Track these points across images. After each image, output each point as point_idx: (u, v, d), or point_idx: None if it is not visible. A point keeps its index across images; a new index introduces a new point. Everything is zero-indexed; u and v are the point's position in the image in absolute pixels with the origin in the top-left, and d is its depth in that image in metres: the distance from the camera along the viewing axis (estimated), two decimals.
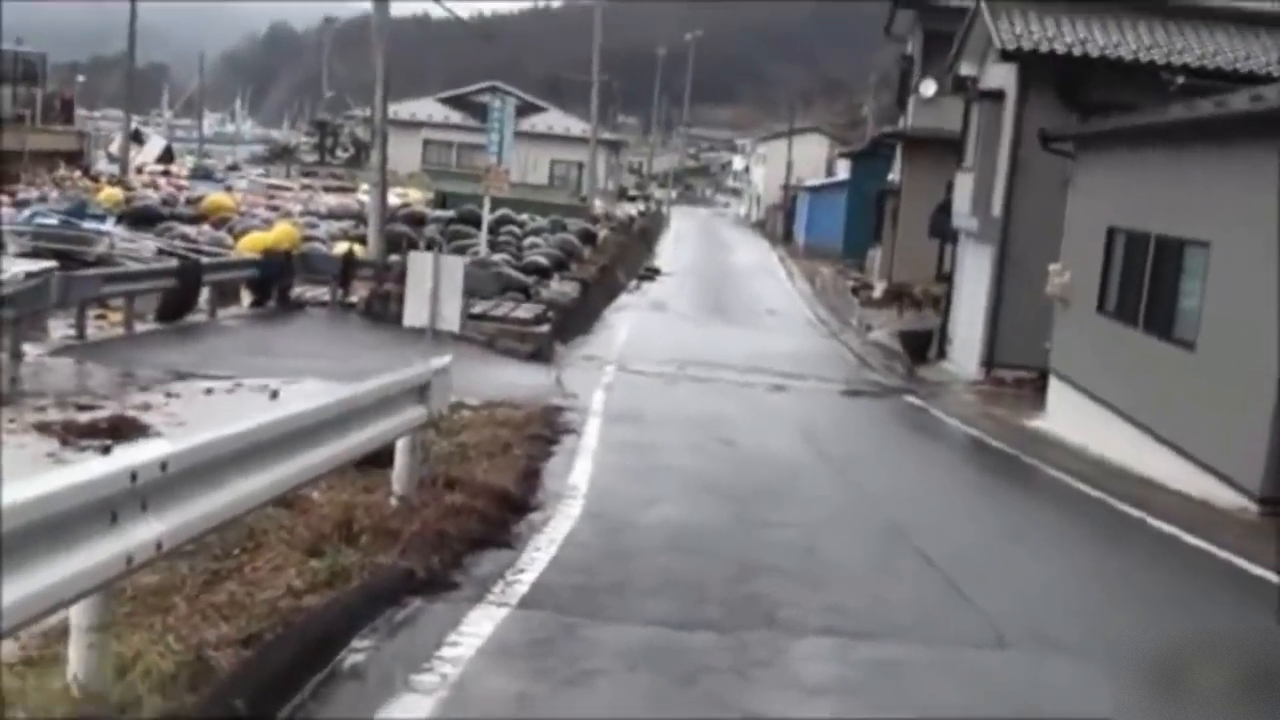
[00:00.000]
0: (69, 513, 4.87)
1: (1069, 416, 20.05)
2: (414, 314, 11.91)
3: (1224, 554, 11.03)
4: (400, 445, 9.69)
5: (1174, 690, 5.94)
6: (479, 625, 6.94)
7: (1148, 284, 17.72)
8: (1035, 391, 22.85)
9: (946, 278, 31.40)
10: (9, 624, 4.59)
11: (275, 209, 42.74)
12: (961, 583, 8.91)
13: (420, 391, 9.71)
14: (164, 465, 5.46)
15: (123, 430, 12.59)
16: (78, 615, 5.35)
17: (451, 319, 11.79)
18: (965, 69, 30.26)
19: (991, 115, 27.16)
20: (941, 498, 13.39)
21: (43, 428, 13.08)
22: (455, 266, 12.09)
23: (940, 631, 7.69)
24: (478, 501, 9.75)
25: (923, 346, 30.44)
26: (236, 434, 6.30)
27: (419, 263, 12.30)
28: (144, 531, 5.38)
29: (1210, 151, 15.98)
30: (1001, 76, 26.87)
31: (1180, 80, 22.09)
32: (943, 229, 31.92)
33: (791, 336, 34.21)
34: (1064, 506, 13.83)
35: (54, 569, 4.81)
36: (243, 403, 14.60)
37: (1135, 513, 13.11)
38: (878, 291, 38.10)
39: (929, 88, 36.97)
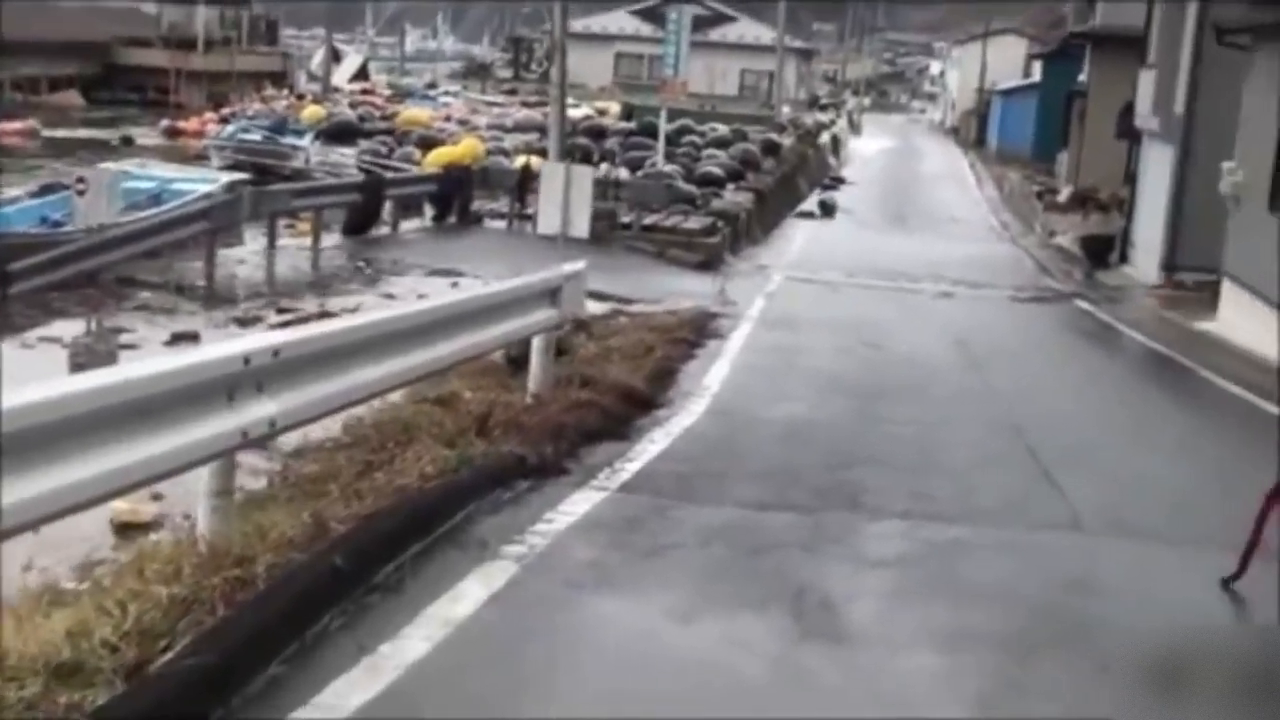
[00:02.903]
0: (190, 389, 5.62)
1: (1240, 319, 19.76)
2: (547, 222, 12.53)
3: None
4: (535, 345, 10.33)
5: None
6: (576, 505, 7.55)
7: None
8: (1215, 295, 22.47)
9: (1132, 180, 30.85)
10: (145, 476, 5.44)
11: (463, 124, 43.86)
12: (1058, 475, 9.20)
13: (551, 295, 10.32)
14: (276, 352, 6.18)
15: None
16: (204, 481, 6.14)
17: (581, 226, 12.35)
18: None
19: (1174, 10, 26.51)
20: (1076, 399, 13.52)
21: (244, 322, 14.36)
22: (584, 176, 12.63)
23: (1017, 517, 8.06)
24: (604, 398, 10.34)
25: (1104, 251, 30.06)
26: (348, 328, 7.01)
27: (551, 173, 12.88)
28: (258, 410, 6.11)
29: None
30: None
31: None
32: (1129, 130, 31.33)
33: (972, 243, 34.02)
34: (1203, 407, 13.84)
35: (180, 436, 5.57)
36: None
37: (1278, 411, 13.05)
38: (1063, 196, 37.43)
39: None
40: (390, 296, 16.76)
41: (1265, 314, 18.32)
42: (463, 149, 32.30)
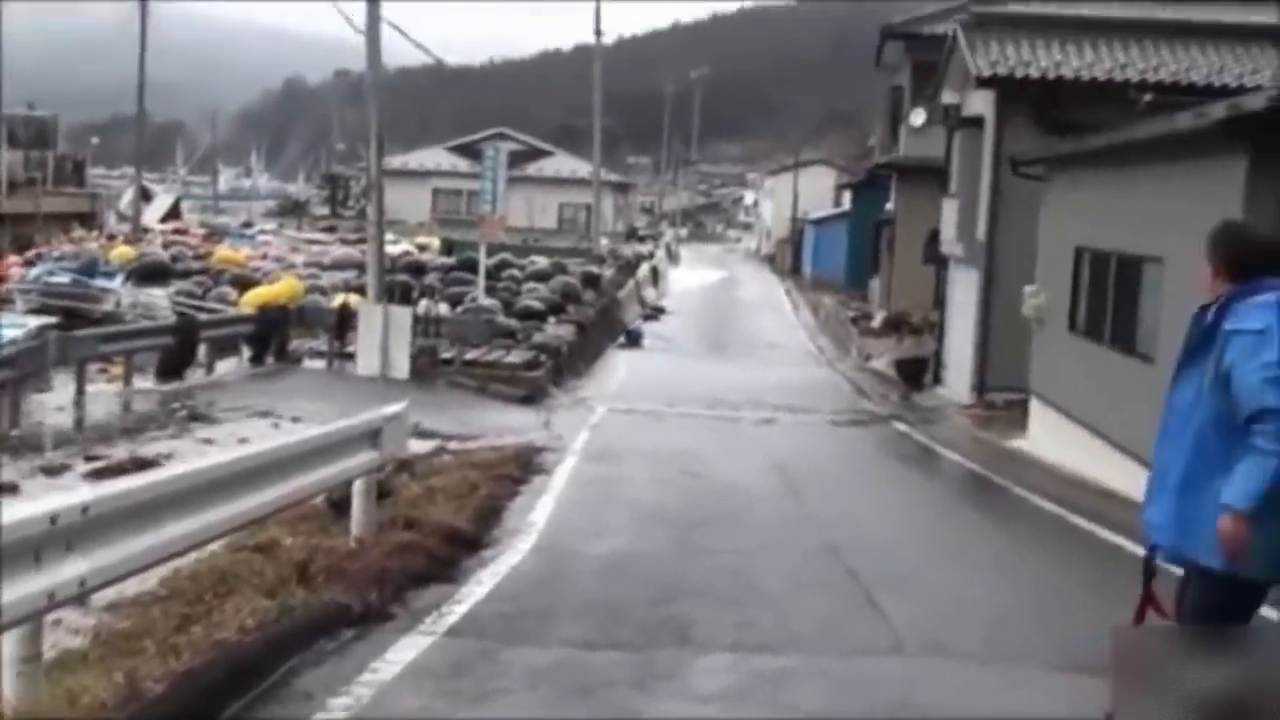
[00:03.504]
0: None
1: (1048, 436, 20.48)
2: (366, 363, 12.49)
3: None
4: (357, 488, 10.21)
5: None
6: (403, 653, 7.43)
7: (1111, 301, 18.18)
8: (1024, 413, 23.25)
9: (941, 304, 31.92)
10: None
11: (280, 262, 43.50)
12: (880, 598, 9.37)
13: (372, 437, 10.24)
14: (85, 509, 6.00)
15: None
16: (9, 646, 5.89)
17: (401, 367, 12.34)
18: (948, 97, 30.80)
19: (972, 142, 27.70)
20: (892, 520, 13.83)
21: (51, 471, 13.90)
22: (403, 316, 12.66)
23: (840, 642, 8.17)
24: (429, 540, 10.23)
25: (918, 373, 30.92)
26: (161, 480, 6.84)
27: (369, 314, 12.87)
28: (68, 570, 5.91)
29: (1160, 168, 16.41)
30: (980, 103, 27.41)
31: (1148, 98, 22.35)
32: (935, 255, 32.47)
33: (790, 368, 34.72)
34: (1017, 523, 14.26)
35: None
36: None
37: (1087, 526, 13.52)
38: (877, 320, 38.60)
39: (918, 117, 37.46)
40: (208, 441, 16.39)
41: (1070, 430, 19.05)
42: (280, 288, 32.02)
